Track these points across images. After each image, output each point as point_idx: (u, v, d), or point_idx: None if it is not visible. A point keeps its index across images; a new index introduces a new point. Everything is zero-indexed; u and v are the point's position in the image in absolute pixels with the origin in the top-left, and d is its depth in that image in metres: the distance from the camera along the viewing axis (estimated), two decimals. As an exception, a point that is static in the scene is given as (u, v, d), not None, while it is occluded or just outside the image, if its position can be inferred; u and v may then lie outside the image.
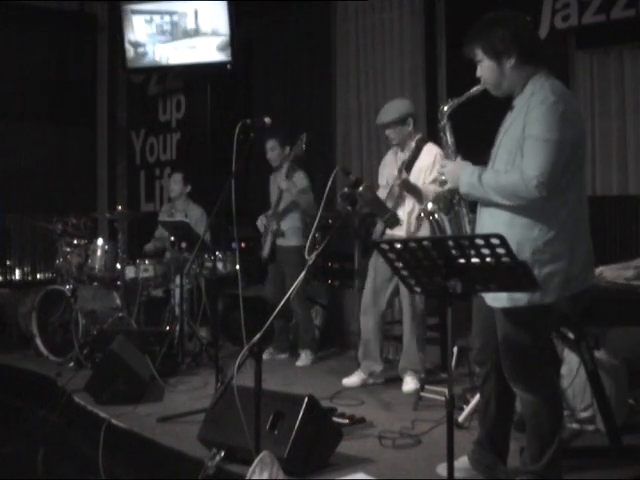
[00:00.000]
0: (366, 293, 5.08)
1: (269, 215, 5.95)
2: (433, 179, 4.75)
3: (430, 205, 3.09)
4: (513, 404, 3.18)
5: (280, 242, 5.90)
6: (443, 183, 3.04)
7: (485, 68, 2.96)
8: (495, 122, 3.05)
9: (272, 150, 5.94)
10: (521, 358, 2.89)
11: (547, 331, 2.99)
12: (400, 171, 4.79)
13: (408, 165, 4.86)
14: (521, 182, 2.75)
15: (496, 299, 2.86)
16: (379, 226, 4.97)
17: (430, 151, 4.83)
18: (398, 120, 4.87)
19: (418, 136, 4.97)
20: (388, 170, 5.03)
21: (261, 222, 5.97)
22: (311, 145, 5.79)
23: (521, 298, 2.79)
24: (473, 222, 3.05)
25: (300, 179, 5.85)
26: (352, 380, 5.05)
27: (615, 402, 3.54)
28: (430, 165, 4.77)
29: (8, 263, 8.83)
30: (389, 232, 4.85)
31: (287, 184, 5.77)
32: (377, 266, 4.99)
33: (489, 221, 2.92)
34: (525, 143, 2.80)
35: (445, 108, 3.11)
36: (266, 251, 5.94)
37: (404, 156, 4.96)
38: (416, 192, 4.70)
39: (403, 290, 4.87)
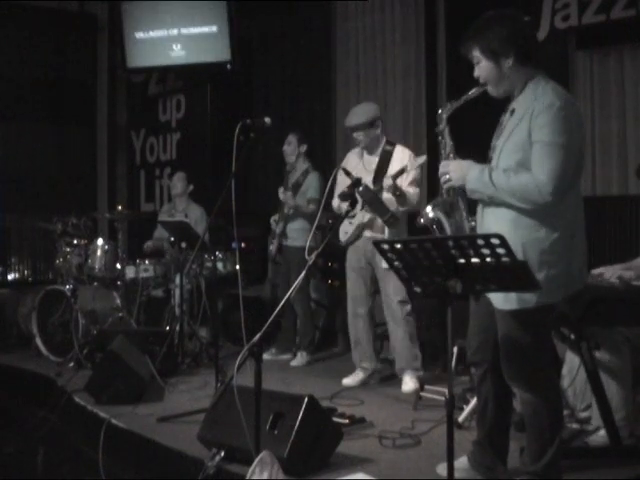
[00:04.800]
0: (350, 296, 5.10)
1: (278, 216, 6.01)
2: (411, 181, 4.80)
3: (430, 211, 3.07)
4: (511, 404, 3.17)
5: (287, 242, 5.93)
6: (447, 182, 3.01)
7: (483, 68, 2.94)
8: (493, 124, 3.04)
9: (288, 144, 5.98)
10: (522, 358, 2.88)
11: (548, 331, 2.99)
12: (394, 177, 4.75)
13: (381, 169, 4.88)
14: (534, 187, 2.74)
15: (506, 302, 2.84)
16: (347, 227, 4.96)
17: (402, 153, 4.90)
18: (367, 123, 4.90)
19: (385, 139, 5.03)
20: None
21: (273, 221, 6.05)
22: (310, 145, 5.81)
23: (530, 300, 2.78)
24: (473, 228, 3.04)
25: (311, 186, 5.83)
26: (352, 380, 5.06)
27: (617, 402, 3.53)
28: (405, 167, 4.78)
29: (8, 263, 8.82)
30: (368, 234, 4.87)
31: (285, 196, 5.82)
32: (355, 267, 5.02)
33: (493, 222, 2.90)
34: (533, 149, 2.78)
35: (443, 112, 3.10)
36: (274, 250, 5.99)
37: (373, 160, 4.98)
38: (401, 196, 4.73)
39: (385, 290, 4.89)
